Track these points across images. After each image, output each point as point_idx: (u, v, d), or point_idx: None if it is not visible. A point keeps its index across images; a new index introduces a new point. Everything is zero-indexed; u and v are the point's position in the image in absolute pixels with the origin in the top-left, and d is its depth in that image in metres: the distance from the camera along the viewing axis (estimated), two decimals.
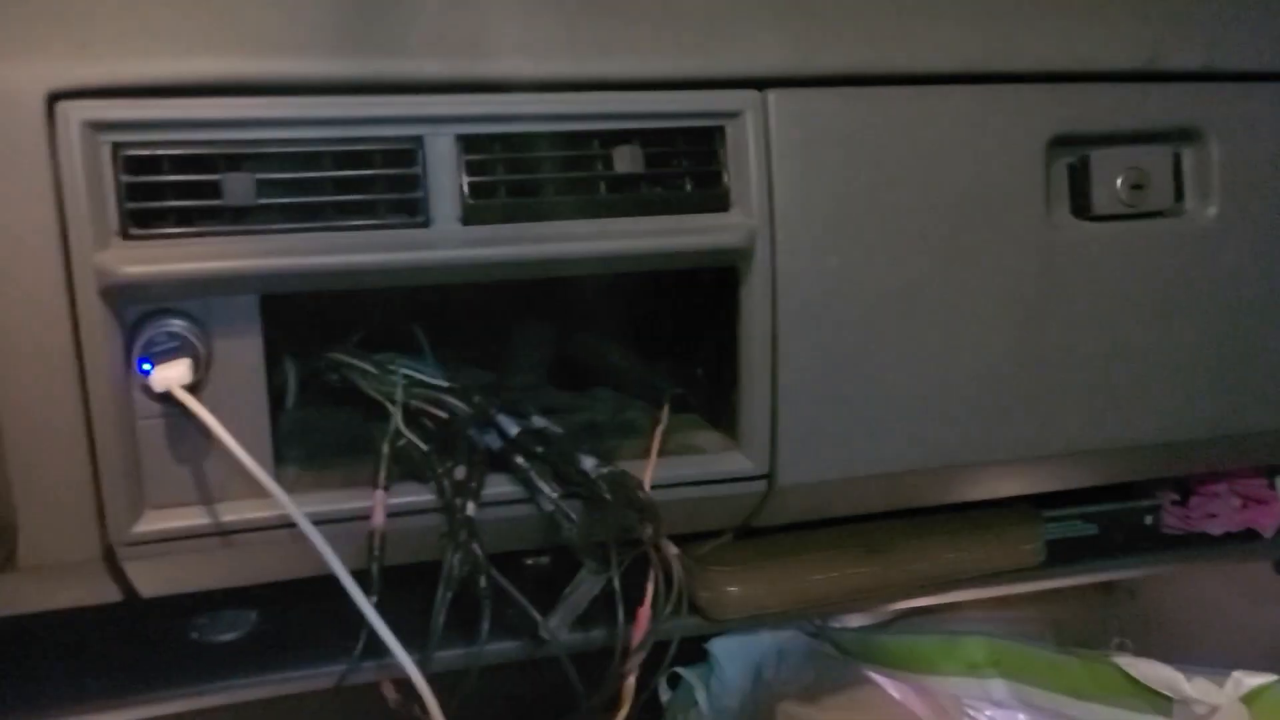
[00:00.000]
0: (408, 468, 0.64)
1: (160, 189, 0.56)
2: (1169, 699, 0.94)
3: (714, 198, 0.64)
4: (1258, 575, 1.05)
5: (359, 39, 0.59)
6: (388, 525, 0.62)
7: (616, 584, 0.65)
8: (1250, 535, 0.94)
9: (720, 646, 1.06)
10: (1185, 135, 0.73)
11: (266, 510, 0.60)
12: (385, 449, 0.63)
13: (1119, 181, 0.71)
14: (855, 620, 1.07)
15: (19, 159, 0.53)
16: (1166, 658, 0.97)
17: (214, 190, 0.56)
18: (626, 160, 0.62)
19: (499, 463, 0.65)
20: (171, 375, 0.55)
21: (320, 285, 0.59)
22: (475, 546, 0.61)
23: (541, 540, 0.66)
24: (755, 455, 0.67)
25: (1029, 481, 0.81)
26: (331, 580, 0.59)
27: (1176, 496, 0.95)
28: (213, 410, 0.56)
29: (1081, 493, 0.89)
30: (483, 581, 0.62)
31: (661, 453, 0.68)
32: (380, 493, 0.62)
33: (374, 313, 0.73)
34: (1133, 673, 0.95)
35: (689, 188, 0.64)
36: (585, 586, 0.68)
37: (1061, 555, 0.90)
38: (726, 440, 0.70)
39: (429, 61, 0.59)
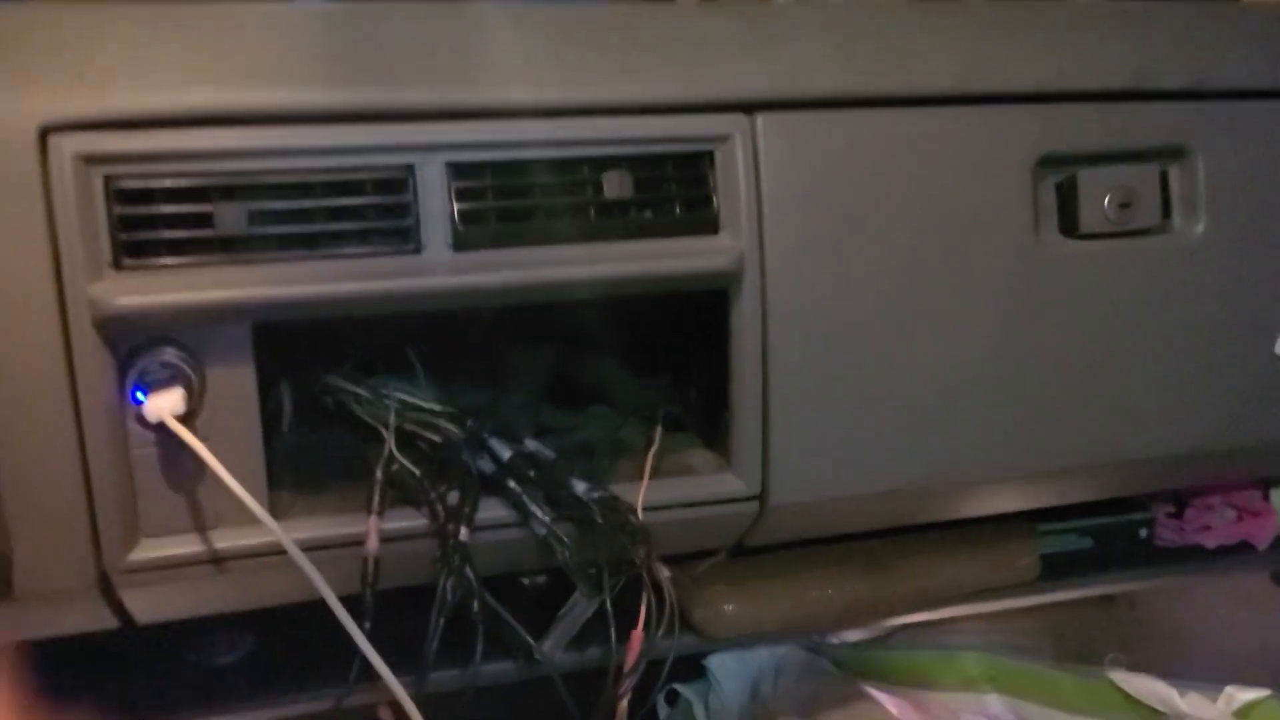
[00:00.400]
0: (401, 492, 0.64)
1: (153, 220, 0.56)
2: (1163, 714, 0.94)
3: (704, 221, 0.65)
4: (1256, 587, 1.06)
5: (349, 68, 0.59)
6: (381, 550, 0.62)
7: (609, 606, 0.65)
8: (1245, 547, 0.95)
9: (718, 663, 1.06)
10: (1171, 154, 0.73)
11: (260, 537, 0.60)
12: (379, 474, 0.64)
13: (1106, 200, 0.72)
14: (852, 635, 1.07)
15: (12, 192, 0.54)
16: (1167, 669, 0.97)
17: (206, 220, 0.57)
18: (616, 185, 0.63)
19: (492, 486, 0.65)
20: (164, 405, 0.55)
21: (313, 313, 0.60)
22: (468, 572, 0.62)
23: (535, 563, 0.67)
24: (746, 476, 0.68)
25: (1021, 497, 0.81)
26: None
27: (1172, 509, 0.95)
28: (206, 438, 0.57)
29: (1077, 506, 0.89)
30: (476, 606, 0.62)
31: (654, 474, 0.68)
32: (374, 518, 0.62)
33: (368, 335, 0.74)
34: (1127, 688, 0.96)
35: (679, 211, 0.64)
36: (579, 608, 0.68)
37: (1057, 569, 0.90)
38: (719, 460, 0.70)
39: (418, 90, 0.60)
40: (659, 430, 0.72)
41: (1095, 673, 0.99)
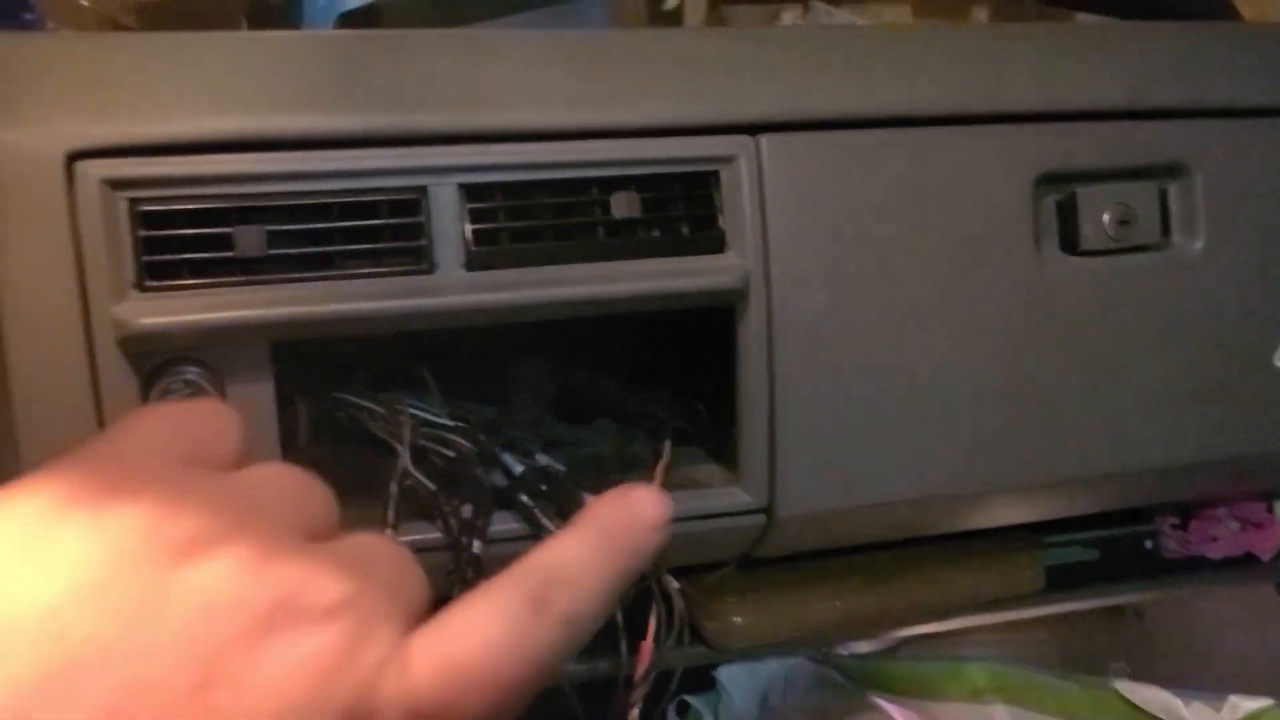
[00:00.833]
0: (415, 506, 0.65)
1: (174, 242, 0.58)
2: None
3: (710, 240, 0.66)
4: (1261, 597, 1.06)
5: (363, 94, 0.61)
6: None
7: (619, 618, 0.66)
8: (1250, 559, 0.95)
9: (728, 674, 1.07)
10: (1171, 171, 0.74)
11: None
12: (393, 488, 0.65)
13: (1106, 217, 0.73)
14: (860, 647, 1.08)
15: (40, 216, 0.55)
16: (1175, 679, 0.98)
17: (226, 242, 0.58)
18: (624, 206, 0.64)
19: (504, 500, 0.67)
20: None
21: (329, 332, 0.61)
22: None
23: None
24: (754, 490, 0.69)
25: (1027, 509, 0.82)
26: None
27: (1176, 520, 0.96)
28: None
29: (1082, 518, 0.90)
30: None
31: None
32: (389, 531, 0.64)
33: (382, 352, 0.75)
34: (1132, 698, 0.96)
35: (685, 231, 0.66)
36: None
37: (1062, 580, 0.91)
38: (727, 474, 0.71)
39: (431, 114, 0.62)
40: (668, 444, 0.73)
41: (1101, 683, 1.00)
